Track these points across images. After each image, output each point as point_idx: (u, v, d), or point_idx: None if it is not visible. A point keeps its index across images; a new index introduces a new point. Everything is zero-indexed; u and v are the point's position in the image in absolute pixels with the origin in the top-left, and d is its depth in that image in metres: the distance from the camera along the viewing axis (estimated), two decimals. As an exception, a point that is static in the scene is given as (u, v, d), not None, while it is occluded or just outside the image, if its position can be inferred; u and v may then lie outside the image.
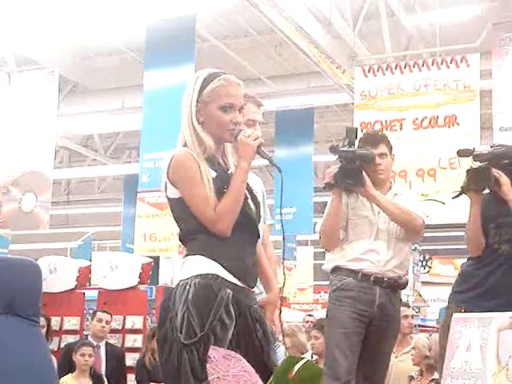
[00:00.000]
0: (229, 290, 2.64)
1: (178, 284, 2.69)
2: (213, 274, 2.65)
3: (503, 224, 3.72)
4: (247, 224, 2.80)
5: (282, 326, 3.12)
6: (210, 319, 2.56)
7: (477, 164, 3.79)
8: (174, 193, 2.78)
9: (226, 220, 2.71)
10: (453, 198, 4.05)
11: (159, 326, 2.69)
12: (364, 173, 3.82)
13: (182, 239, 2.83)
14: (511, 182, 3.72)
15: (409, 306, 6.52)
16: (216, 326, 2.57)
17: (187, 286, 2.62)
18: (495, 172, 3.70)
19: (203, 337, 2.54)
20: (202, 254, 2.71)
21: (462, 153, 3.99)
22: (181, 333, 2.55)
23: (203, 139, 2.77)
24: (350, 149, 3.81)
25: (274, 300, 3.00)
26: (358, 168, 3.79)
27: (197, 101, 2.80)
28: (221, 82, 2.81)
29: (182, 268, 2.75)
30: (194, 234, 2.76)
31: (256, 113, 3.43)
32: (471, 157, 3.82)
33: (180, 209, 2.78)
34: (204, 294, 2.61)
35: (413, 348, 5.61)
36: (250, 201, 2.85)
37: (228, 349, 2.62)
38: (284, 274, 2.90)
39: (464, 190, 3.81)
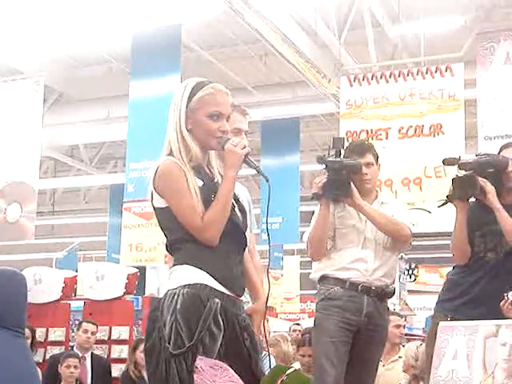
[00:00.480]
0: (217, 300, 2.62)
1: (166, 294, 2.66)
2: (201, 284, 2.63)
3: (488, 232, 3.73)
4: (234, 233, 2.79)
5: (266, 335, 3.11)
6: (198, 329, 2.54)
7: (462, 173, 3.81)
8: (160, 202, 2.76)
9: (214, 229, 2.70)
10: (438, 206, 4.06)
11: (147, 336, 2.67)
12: (352, 183, 3.82)
13: (169, 249, 2.82)
14: (496, 190, 3.73)
15: (401, 316, 6.52)
16: (205, 336, 2.55)
17: (175, 296, 2.60)
18: (481, 180, 3.71)
19: (192, 347, 2.52)
20: (189, 264, 2.69)
21: (447, 161, 4.00)
22: (169, 343, 2.53)
23: (190, 146, 2.76)
24: (337, 159, 3.81)
25: (260, 309, 2.99)
26: (346, 179, 3.79)
27: (186, 108, 2.79)
28: (209, 91, 2.80)
29: (170, 278, 2.73)
30: (181, 243, 2.74)
31: (242, 122, 3.42)
32: (456, 165, 3.84)
33: (166, 218, 2.77)
34: (192, 303, 2.60)
35: (399, 357, 5.61)
36: (236, 209, 2.84)
37: (216, 358, 2.61)
38: (269, 283, 2.90)
39: (450, 199, 3.82)
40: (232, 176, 2.76)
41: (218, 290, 2.66)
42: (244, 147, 2.79)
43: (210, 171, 2.87)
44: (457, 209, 3.80)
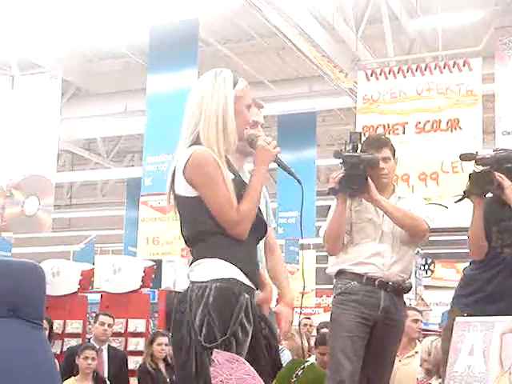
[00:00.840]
0: (247, 295, 2.65)
1: (194, 287, 2.66)
2: (232, 279, 2.65)
3: (506, 228, 3.71)
4: (257, 226, 2.79)
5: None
6: (231, 323, 2.57)
7: (479, 168, 3.79)
8: (188, 191, 2.72)
9: (247, 223, 2.71)
10: (455, 202, 4.04)
11: (174, 329, 2.67)
12: (369, 178, 3.81)
13: (191, 240, 2.78)
14: None
15: (418, 311, 6.51)
16: (237, 330, 2.58)
17: (207, 290, 2.61)
18: (498, 176, 3.70)
19: (225, 341, 2.54)
20: (219, 257, 2.69)
21: (464, 157, 3.98)
22: (201, 336, 2.55)
23: (231, 136, 2.73)
24: (355, 153, 3.80)
25: (290, 305, 3.13)
26: (363, 174, 3.78)
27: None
28: (245, 83, 2.84)
29: (196, 270, 2.72)
30: (208, 235, 2.72)
31: (258, 115, 3.43)
32: (473, 161, 3.82)
33: (194, 208, 2.73)
34: (225, 298, 2.61)
35: (416, 352, 5.60)
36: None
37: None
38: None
39: (466, 195, 3.81)
40: (264, 172, 2.79)
41: (246, 285, 2.68)
42: (275, 147, 2.83)
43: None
44: (474, 204, 3.78)
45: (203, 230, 2.73)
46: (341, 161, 3.81)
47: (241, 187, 2.74)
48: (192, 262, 2.77)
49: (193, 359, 2.57)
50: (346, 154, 3.80)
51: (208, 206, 2.69)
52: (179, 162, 2.73)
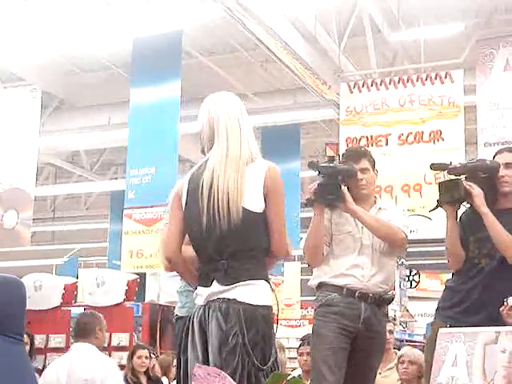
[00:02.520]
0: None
1: (243, 309, 2.74)
2: (271, 306, 2.81)
3: (483, 238, 3.71)
4: None
5: None
6: (273, 347, 2.78)
7: (451, 178, 3.82)
8: (259, 206, 2.81)
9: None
10: (430, 211, 4.08)
11: (228, 350, 2.73)
12: (344, 187, 3.82)
13: (238, 255, 2.80)
14: (491, 195, 3.72)
15: (389, 321, 6.51)
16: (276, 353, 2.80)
17: (258, 317, 2.74)
18: (467, 184, 3.71)
19: (274, 362, 2.73)
20: (265, 280, 2.82)
21: (435, 167, 4.01)
22: (256, 359, 2.70)
23: None
24: (330, 164, 3.81)
25: None
26: (337, 183, 3.79)
27: None
28: None
29: (245, 291, 2.78)
30: (260, 252, 2.82)
31: None
32: (445, 171, 3.85)
33: (255, 224, 2.81)
34: (269, 325, 2.78)
35: (396, 364, 5.59)
36: None
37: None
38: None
39: (439, 204, 3.83)
40: None
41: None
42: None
43: None
44: (446, 213, 3.80)
45: (257, 246, 2.81)
46: (317, 172, 3.82)
47: None
48: (231, 279, 2.79)
49: (251, 380, 2.69)
50: (321, 164, 3.81)
51: (274, 223, 2.81)
52: (252, 175, 2.80)
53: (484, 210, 3.64)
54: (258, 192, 2.79)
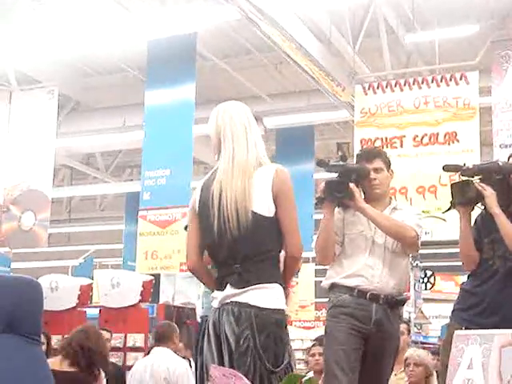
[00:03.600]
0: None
1: (256, 313, 2.78)
2: (284, 310, 2.82)
3: (496, 239, 3.70)
4: None
5: None
6: (287, 350, 2.80)
7: (463, 179, 3.81)
8: (270, 210, 2.84)
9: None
10: (443, 212, 4.07)
11: (239, 354, 2.78)
12: (353, 185, 3.81)
13: (251, 258, 2.84)
14: (504, 196, 3.70)
15: (404, 322, 6.49)
16: (292, 355, 2.83)
17: (270, 321, 2.77)
18: (479, 185, 3.70)
19: (288, 364, 2.76)
20: (279, 283, 2.84)
21: (447, 168, 4.01)
22: (268, 361, 2.73)
23: None
24: (340, 163, 3.81)
25: None
26: (346, 181, 3.79)
27: None
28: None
29: (257, 295, 2.81)
30: (273, 254, 2.86)
31: None
32: (459, 172, 3.84)
33: (268, 227, 2.85)
34: (281, 329, 2.80)
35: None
36: None
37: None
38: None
39: (452, 205, 3.82)
40: None
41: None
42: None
43: None
44: (459, 214, 3.79)
45: (270, 249, 2.84)
46: (327, 171, 3.83)
47: None
48: (244, 283, 2.83)
49: (257, 382, 2.71)
50: (331, 163, 3.81)
51: (285, 225, 2.84)
52: (260, 179, 2.83)
53: (496, 210, 3.63)
54: (267, 196, 2.83)
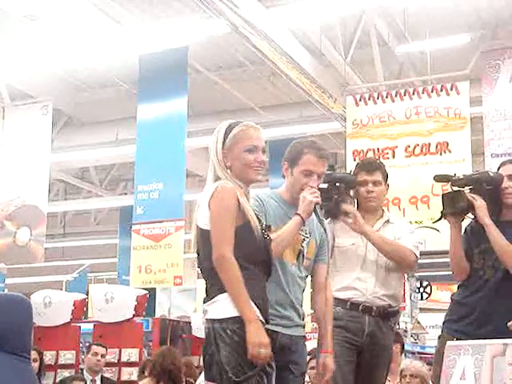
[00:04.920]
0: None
1: (215, 326, 2.76)
2: (237, 317, 2.75)
3: (487, 250, 3.71)
4: (267, 263, 2.94)
5: None
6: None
7: (455, 189, 3.82)
8: (206, 223, 2.90)
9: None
10: (433, 222, 4.09)
11: (206, 371, 2.83)
12: (351, 207, 3.81)
13: (207, 274, 2.89)
14: (495, 207, 3.71)
15: (397, 333, 6.48)
16: (265, 366, 2.74)
17: (228, 332, 2.73)
18: (470, 196, 3.71)
19: (255, 376, 2.70)
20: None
21: (439, 178, 4.01)
22: (232, 374, 2.69)
23: (233, 180, 2.95)
24: (327, 171, 3.83)
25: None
26: (332, 188, 3.81)
27: (222, 148, 2.99)
28: (242, 128, 3.02)
29: (212, 309, 2.81)
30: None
31: (315, 164, 3.38)
32: (449, 182, 3.85)
33: (209, 241, 2.87)
34: (240, 336, 2.73)
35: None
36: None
37: None
38: None
39: (442, 215, 3.83)
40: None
41: (261, 320, 2.79)
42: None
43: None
44: (450, 224, 3.80)
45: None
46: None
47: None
48: (207, 298, 2.87)
49: None
50: None
51: (211, 237, 2.82)
52: (204, 195, 2.91)
53: (486, 221, 3.64)
54: (205, 209, 2.89)
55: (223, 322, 2.75)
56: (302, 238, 3.33)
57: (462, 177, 3.84)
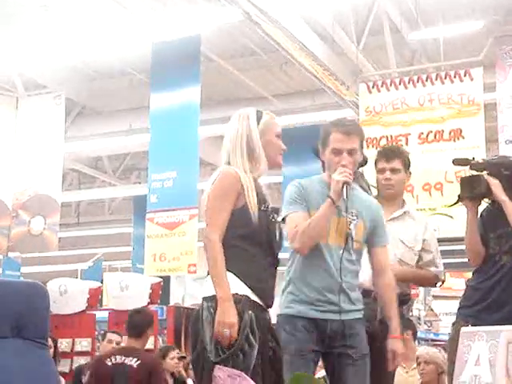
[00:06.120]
0: (251, 312, 2.77)
1: (203, 304, 2.83)
2: (237, 294, 2.78)
3: (503, 234, 3.70)
4: (271, 245, 2.96)
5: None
6: (238, 339, 2.72)
7: (473, 173, 3.81)
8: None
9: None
10: (450, 205, 4.07)
11: (191, 349, 2.87)
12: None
13: None
14: (511, 192, 3.70)
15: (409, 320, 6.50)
16: (244, 346, 2.72)
17: (211, 310, 2.77)
18: (486, 177, 3.70)
19: (232, 354, 2.69)
20: (230, 271, 2.83)
21: (457, 161, 4.00)
22: (210, 353, 2.71)
23: (258, 164, 3.04)
24: None
25: (397, 335, 3.42)
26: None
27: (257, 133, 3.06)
28: (269, 115, 3.15)
29: (205, 286, 2.87)
30: (224, 247, 2.88)
31: (341, 141, 3.31)
32: (468, 166, 3.84)
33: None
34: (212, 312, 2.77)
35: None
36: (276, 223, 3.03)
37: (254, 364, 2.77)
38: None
39: (459, 199, 3.82)
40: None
41: (252, 301, 2.82)
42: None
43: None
44: (467, 209, 3.79)
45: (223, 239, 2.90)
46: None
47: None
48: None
49: (206, 375, 2.72)
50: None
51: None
52: (209, 181, 3.00)
53: (503, 197, 3.63)
54: (207, 192, 3.02)
55: (208, 300, 2.82)
56: (349, 220, 3.27)
57: (481, 161, 3.82)
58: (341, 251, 3.23)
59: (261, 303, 2.86)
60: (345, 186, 3.18)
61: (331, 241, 3.26)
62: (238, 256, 2.85)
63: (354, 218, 3.30)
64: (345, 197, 3.20)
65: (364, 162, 3.82)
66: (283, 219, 3.27)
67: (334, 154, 3.30)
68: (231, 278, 2.81)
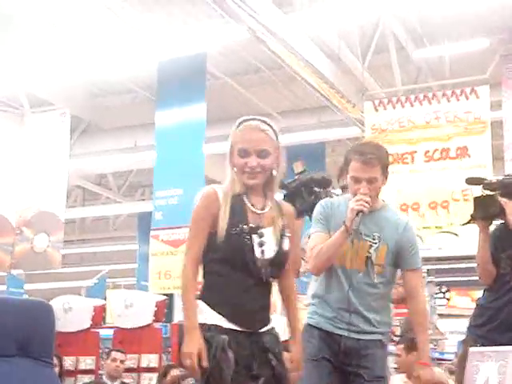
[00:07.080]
0: (223, 337, 2.70)
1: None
2: (204, 324, 2.71)
3: None
4: (248, 265, 2.78)
5: None
6: (209, 366, 2.65)
7: (486, 193, 3.79)
8: None
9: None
10: (462, 224, 4.05)
11: None
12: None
13: None
14: None
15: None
16: (212, 372, 2.65)
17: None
18: (502, 200, 3.69)
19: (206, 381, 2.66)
20: (202, 300, 2.77)
21: (471, 181, 3.98)
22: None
23: (234, 182, 2.85)
24: (295, 177, 3.84)
25: (425, 361, 3.30)
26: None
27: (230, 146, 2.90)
28: (239, 128, 2.88)
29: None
30: (205, 274, 2.83)
31: (360, 170, 3.26)
32: (481, 185, 3.82)
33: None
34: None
35: None
36: (255, 244, 2.81)
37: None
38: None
39: (472, 219, 3.81)
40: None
41: (226, 328, 2.72)
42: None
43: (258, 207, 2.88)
44: (479, 228, 3.78)
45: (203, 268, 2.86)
46: (284, 192, 3.84)
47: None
48: None
49: None
50: (286, 182, 3.82)
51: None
52: (195, 199, 2.90)
53: None
54: None
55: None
56: (369, 244, 3.28)
57: (494, 180, 3.81)
58: (360, 274, 3.27)
59: (239, 329, 2.75)
60: (359, 215, 3.18)
61: (348, 265, 3.29)
62: (215, 282, 2.78)
63: (376, 241, 3.29)
64: (355, 226, 3.20)
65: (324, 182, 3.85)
66: (309, 237, 3.31)
67: (353, 182, 3.29)
68: (203, 307, 2.75)
